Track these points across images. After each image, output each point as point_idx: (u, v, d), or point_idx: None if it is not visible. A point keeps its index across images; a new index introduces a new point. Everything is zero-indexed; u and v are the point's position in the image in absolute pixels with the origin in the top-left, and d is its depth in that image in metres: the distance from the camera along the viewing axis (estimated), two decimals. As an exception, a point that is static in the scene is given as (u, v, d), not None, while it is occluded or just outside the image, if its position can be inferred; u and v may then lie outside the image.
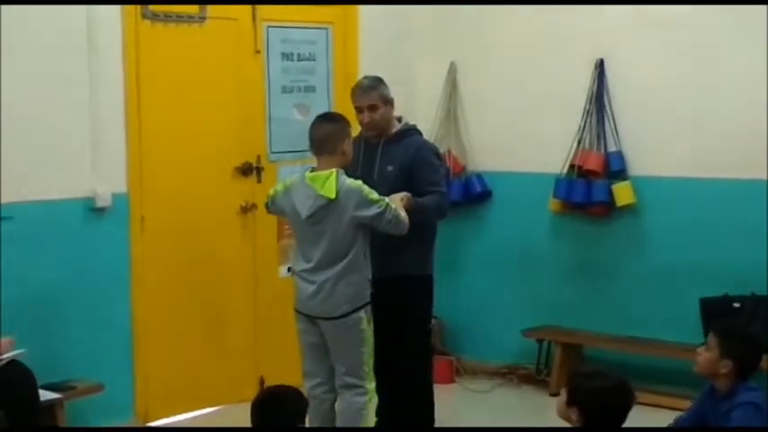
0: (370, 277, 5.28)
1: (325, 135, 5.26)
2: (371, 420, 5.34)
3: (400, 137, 5.64)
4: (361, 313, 5.25)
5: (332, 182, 5.15)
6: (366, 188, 5.19)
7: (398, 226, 5.22)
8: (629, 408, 3.84)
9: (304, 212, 5.22)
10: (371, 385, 5.31)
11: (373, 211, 5.15)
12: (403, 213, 5.24)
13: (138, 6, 6.33)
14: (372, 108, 5.57)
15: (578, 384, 3.85)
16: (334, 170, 5.19)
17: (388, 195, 5.28)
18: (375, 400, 5.34)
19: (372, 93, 5.58)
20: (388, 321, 5.46)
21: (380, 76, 5.68)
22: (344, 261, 5.20)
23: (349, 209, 5.16)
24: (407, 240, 5.35)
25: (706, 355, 4.50)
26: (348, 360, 5.28)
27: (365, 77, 5.80)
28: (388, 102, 5.61)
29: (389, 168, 5.57)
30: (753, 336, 4.84)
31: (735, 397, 4.37)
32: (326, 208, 5.18)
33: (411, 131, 5.69)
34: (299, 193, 5.27)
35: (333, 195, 5.15)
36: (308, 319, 5.35)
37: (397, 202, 5.29)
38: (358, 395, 5.28)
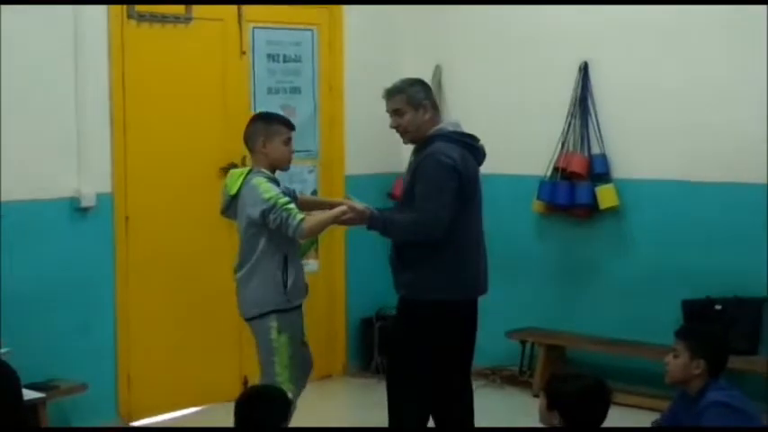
0: (286, 282, 5.12)
1: (244, 135, 5.34)
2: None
3: (426, 144, 5.13)
4: (271, 321, 5.12)
5: (239, 179, 5.20)
6: (265, 186, 5.08)
7: (288, 229, 5.01)
8: (608, 405, 3.88)
9: (220, 208, 5.37)
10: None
11: (259, 208, 5.04)
12: (302, 223, 4.97)
13: (125, 7, 6.34)
14: (397, 112, 5.16)
15: (556, 389, 3.91)
16: (247, 168, 5.27)
17: (404, 207, 5.11)
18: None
19: (396, 96, 5.16)
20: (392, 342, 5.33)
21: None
22: (252, 261, 5.15)
23: (245, 207, 5.14)
24: (406, 261, 5.11)
25: (676, 362, 4.52)
26: (262, 367, 5.20)
27: (401, 79, 5.34)
28: (421, 106, 5.12)
29: (407, 179, 5.18)
30: (716, 332, 4.92)
31: (704, 398, 4.41)
32: (232, 205, 5.25)
33: (436, 137, 5.10)
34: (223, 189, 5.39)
35: (232, 191, 5.21)
36: None
37: (328, 213, 5.09)
38: None
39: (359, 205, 5.12)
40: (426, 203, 4.98)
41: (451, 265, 5.09)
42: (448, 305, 5.13)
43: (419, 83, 5.28)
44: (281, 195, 5.08)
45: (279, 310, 5.14)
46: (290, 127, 5.32)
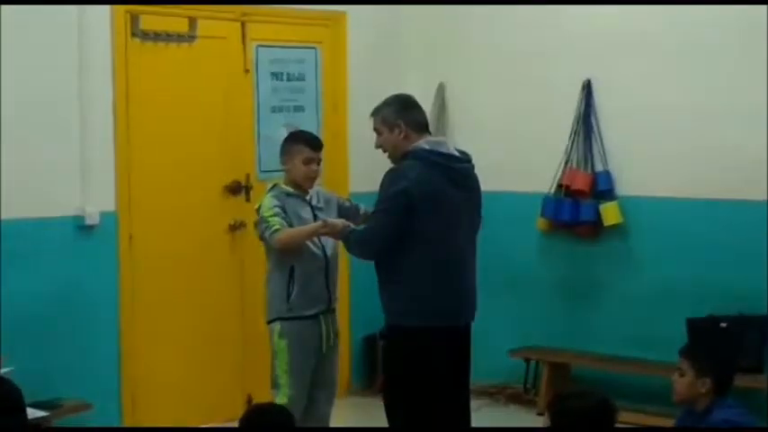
0: (290, 293, 5.39)
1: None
2: None
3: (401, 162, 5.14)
4: (275, 326, 5.45)
5: (263, 194, 5.58)
6: (266, 203, 5.42)
7: (266, 241, 5.40)
8: (614, 424, 3.86)
9: None
10: (282, 400, 5.33)
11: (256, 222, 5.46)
12: (275, 234, 5.28)
13: (128, 25, 6.35)
14: (376, 132, 5.21)
15: (560, 408, 3.87)
16: (272, 183, 5.58)
17: None
18: None
19: (375, 117, 5.22)
20: None
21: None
22: (269, 271, 5.53)
23: None
24: (382, 283, 5.11)
25: (683, 381, 4.49)
26: (272, 367, 5.49)
27: (385, 98, 5.31)
28: (395, 125, 5.09)
29: None
30: (722, 349, 4.89)
31: (710, 416, 4.38)
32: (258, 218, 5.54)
33: (408, 155, 5.05)
34: None
35: (256, 206, 5.59)
36: None
37: (306, 227, 5.35)
38: None
39: (336, 221, 5.30)
40: (372, 221, 5.14)
41: (424, 290, 5.01)
42: (423, 332, 5.00)
43: (396, 102, 5.22)
44: (270, 210, 5.36)
45: (282, 317, 5.44)
46: (313, 147, 5.56)
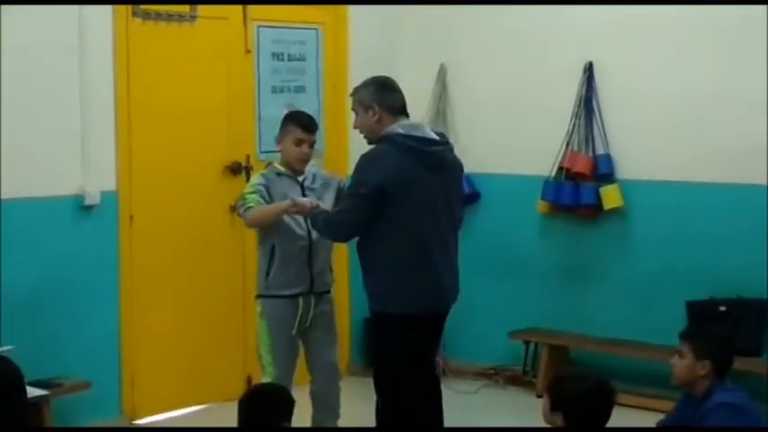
0: (269, 270, 5.42)
1: None
2: None
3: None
4: (257, 306, 5.52)
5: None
6: (252, 180, 5.52)
7: (241, 217, 5.49)
8: (612, 406, 3.88)
9: None
10: (267, 380, 5.35)
11: None
12: (247, 211, 5.34)
13: (129, 5, 6.33)
14: (354, 112, 5.20)
15: (559, 390, 3.90)
16: (267, 163, 5.68)
17: None
18: None
19: (353, 97, 5.22)
20: None
21: (368, 75, 5.33)
22: (258, 248, 5.59)
23: None
24: (362, 268, 5.13)
25: (682, 363, 4.52)
26: (256, 349, 5.58)
27: (365, 79, 5.34)
28: (370, 108, 5.08)
29: None
30: (721, 333, 4.91)
31: (709, 399, 4.40)
32: None
33: (383, 139, 5.04)
34: None
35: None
36: None
37: (276, 205, 5.33)
38: None
39: (304, 200, 5.28)
40: (343, 205, 5.17)
41: (403, 277, 5.01)
42: (405, 319, 5.03)
43: (373, 84, 5.20)
44: (252, 188, 5.42)
45: (261, 295, 5.50)
46: (305, 128, 5.47)
